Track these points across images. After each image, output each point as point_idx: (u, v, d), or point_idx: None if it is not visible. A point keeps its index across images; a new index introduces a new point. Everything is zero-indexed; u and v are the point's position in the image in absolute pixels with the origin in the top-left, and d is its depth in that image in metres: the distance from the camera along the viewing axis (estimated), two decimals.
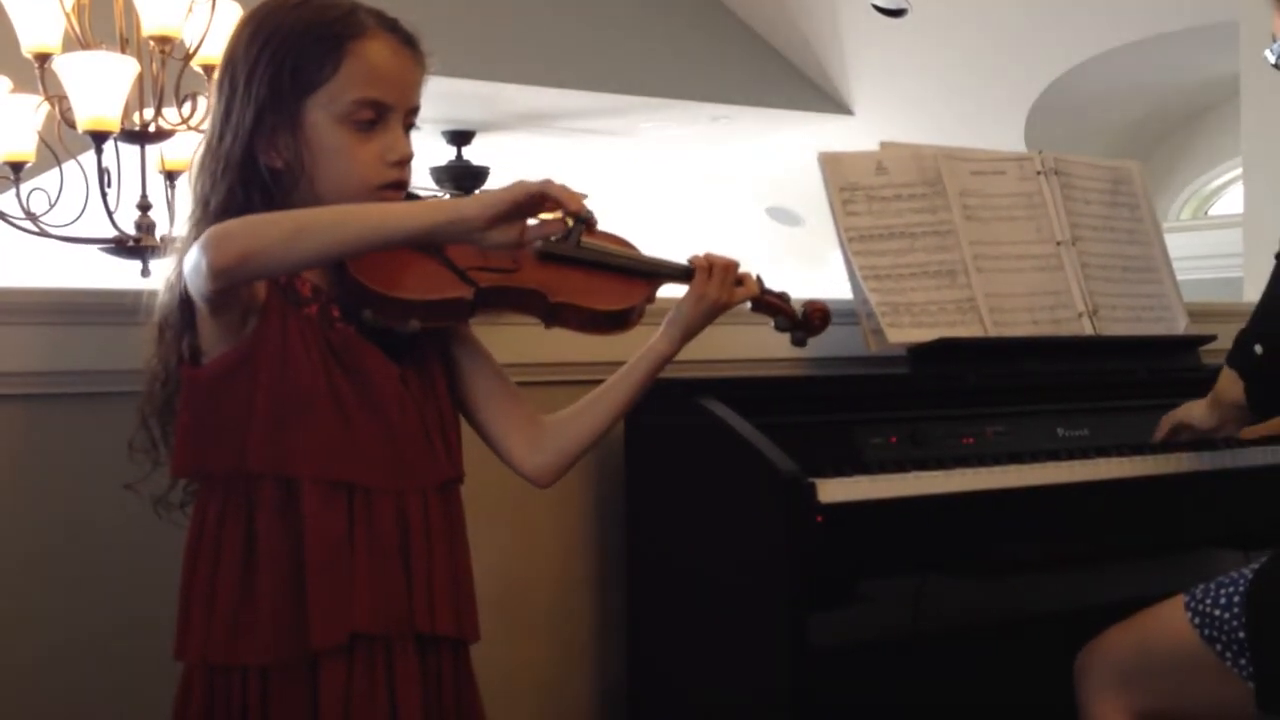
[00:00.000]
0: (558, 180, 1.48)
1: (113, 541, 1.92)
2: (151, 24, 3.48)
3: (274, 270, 1.46)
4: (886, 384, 2.41)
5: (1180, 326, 2.70)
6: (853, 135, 7.32)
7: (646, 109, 7.27)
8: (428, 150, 7.27)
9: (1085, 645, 2.21)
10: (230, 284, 1.42)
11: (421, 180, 7.14)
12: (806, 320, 1.79)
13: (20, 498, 1.91)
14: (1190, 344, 2.66)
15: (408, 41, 1.58)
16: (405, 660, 1.52)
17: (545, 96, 6.92)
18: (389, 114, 1.55)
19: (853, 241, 2.44)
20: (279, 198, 1.53)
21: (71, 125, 3.56)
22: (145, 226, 3.74)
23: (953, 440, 2.30)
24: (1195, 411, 2.27)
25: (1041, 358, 2.52)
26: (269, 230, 1.41)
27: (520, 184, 1.46)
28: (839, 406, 2.27)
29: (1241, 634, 2.03)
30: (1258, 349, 2.04)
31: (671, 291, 1.68)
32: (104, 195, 3.63)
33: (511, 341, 1.89)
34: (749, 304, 1.74)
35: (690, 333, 1.68)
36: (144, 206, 3.76)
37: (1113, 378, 2.57)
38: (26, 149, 3.65)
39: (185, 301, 1.50)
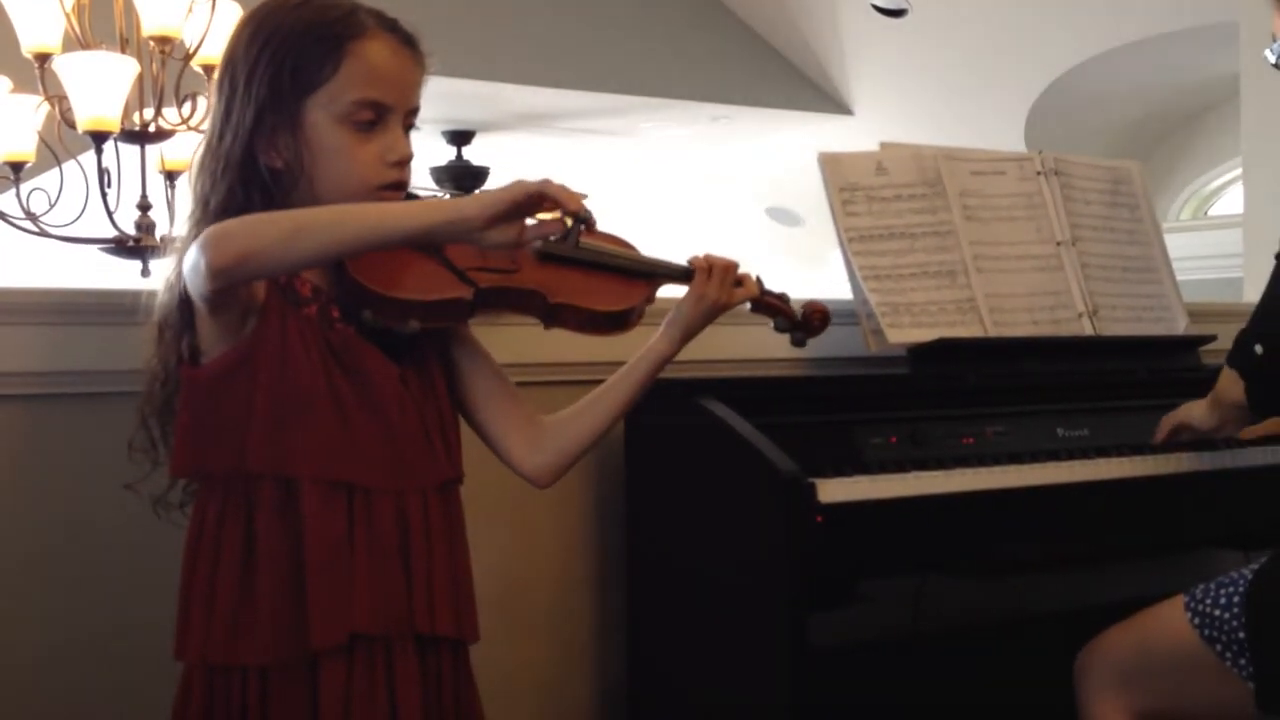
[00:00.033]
0: (556, 180, 1.48)
1: (113, 541, 1.92)
2: (151, 24, 3.48)
3: (273, 270, 1.46)
4: (886, 384, 2.41)
5: (1180, 327, 2.70)
6: (852, 135, 7.32)
7: (646, 109, 7.27)
8: (428, 150, 7.27)
9: (1085, 645, 2.21)
10: (229, 283, 1.42)
11: (421, 180, 7.14)
12: (806, 321, 1.79)
13: (20, 498, 1.91)
14: (1190, 344, 2.66)
15: (408, 42, 1.58)
16: (405, 660, 1.52)
17: (545, 96, 6.92)
18: (389, 114, 1.55)
19: (852, 242, 2.44)
20: (279, 198, 1.53)
21: (71, 125, 3.56)
22: (145, 226, 3.74)
23: (953, 440, 2.30)
24: (1195, 412, 2.26)
25: (1041, 358, 2.52)
26: (268, 230, 1.41)
27: (519, 183, 1.46)
28: (839, 406, 2.27)
29: (1241, 634, 2.03)
30: (1258, 349, 2.04)
31: (671, 292, 1.68)
32: (104, 195, 3.63)
33: (511, 342, 1.89)
34: (748, 305, 1.74)
35: (690, 333, 1.68)
36: (144, 207, 3.76)
37: (1113, 378, 2.57)
38: (26, 149, 3.65)
39: (185, 301, 1.50)
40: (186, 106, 3.66)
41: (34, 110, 3.64)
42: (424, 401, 1.58)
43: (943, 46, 6.87)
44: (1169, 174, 7.46)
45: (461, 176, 7.38)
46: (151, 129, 3.66)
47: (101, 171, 3.59)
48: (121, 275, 3.73)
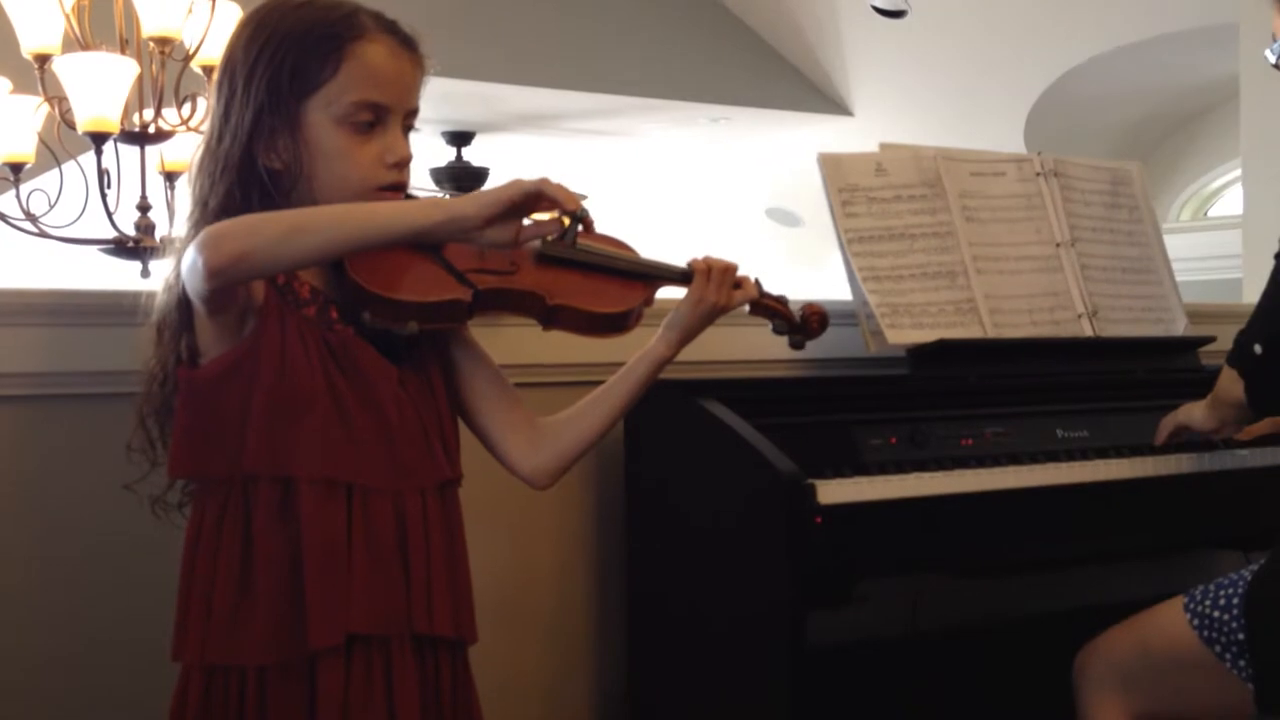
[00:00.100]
0: (554, 179, 1.48)
1: (111, 542, 1.93)
2: (151, 25, 3.48)
3: (270, 269, 1.46)
4: (886, 385, 2.41)
5: (1179, 328, 2.70)
6: (852, 136, 7.33)
7: (646, 110, 7.27)
8: (427, 151, 7.27)
9: (1084, 646, 2.21)
10: (227, 283, 1.42)
11: (421, 181, 7.14)
12: (804, 324, 1.79)
13: (20, 498, 1.91)
14: (1189, 345, 2.67)
15: (407, 43, 1.58)
16: (403, 661, 1.52)
17: (545, 97, 6.92)
18: (388, 116, 1.55)
19: (852, 243, 2.44)
20: (278, 199, 1.52)
21: (71, 126, 3.56)
22: (145, 227, 3.74)
23: (952, 441, 2.30)
24: (1195, 413, 2.27)
25: (1041, 359, 2.52)
26: (265, 229, 1.41)
27: (516, 182, 1.46)
28: (839, 407, 2.27)
29: (1241, 635, 2.03)
30: (1256, 348, 2.05)
31: (670, 294, 1.68)
32: (104, 196, 3.63)
33: (510, 343, 1.89)
34: (747, 307, 1.74)
35: (688, 335, 1.68)
36: (143, 207, 3.76)
37: (1112, 379, 2.57)
38: (26, 150, 3.66)
39: (183, 302, 1.50)
40: (186, 107, 3.66)
41: (34, 111, 3.64)
42: (422, 402, 1.58)
43: (943, 47, 6.88)
44: (1169, 175, 7.46)
45: (461, 177, 7.38)
46: (151, 130, 3.66)
47: (101, 172, 3.59)
48: (121, 276, 3.73)
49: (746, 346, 2.37)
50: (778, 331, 1.79)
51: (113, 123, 3.43)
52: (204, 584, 1.49)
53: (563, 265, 1.59)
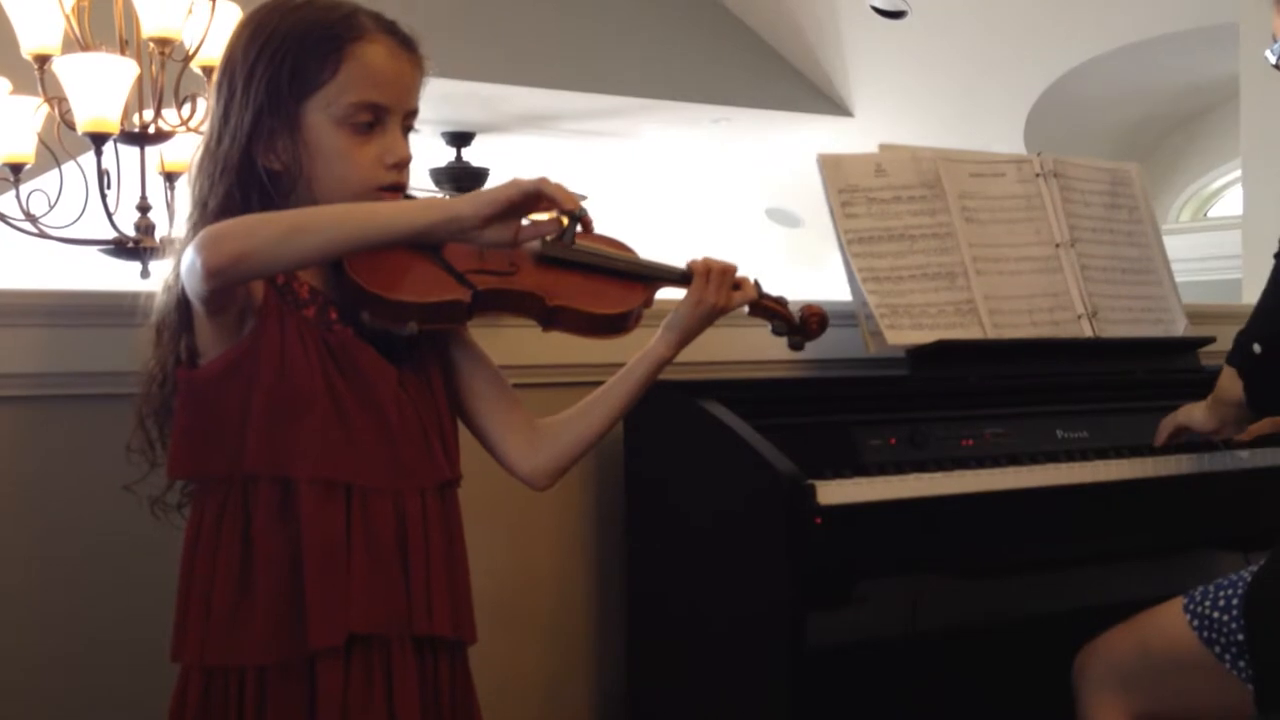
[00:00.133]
0: (553, 179, 1.48)
1: (111, 542, 1.93)
2: (151, 26, 3.48)
3: (269, 269, 1.46)
4: (886, 386, 2.42)
5: (1179, 328, 2.70)
6: (852, 137, 7.33)
7: (646, 111, 7.27)
8: (427, 152, 7.27)
9: (1084, 647, 2.21)
10: (226, 284, 1.42)
11: (421, 182, 7.15)
12: (803, 325, 1.79)
13: (20, 498, 1.91)
14: (1189, 346, 2.67)
15: (406, 44, 1.58)
16: (403, 661, 1.52)
17: (545, 98, 6.92)
18: (387, 117, 1.55)
19: (852, 243, 2.44)
20: (277, 200, 1.52)
21: (71, 127, 3.56)
22: (145, 228, 3.75)
23: (952, 442, 2.30)
24: (1195, 414, 2.27)
25: (1041, 359, 2.52)
26: (263, 229, 1.41)
27: (515, 182, 1.46)
28: (838, 408, 2.27)
29: (1240, 636, 2.03)
30: (1256, 348, 2.05)
31: (670, 295, 1.68)
32: (103, 197, 3.63)
33: (510, 344, 1.89)
34: (746, 308, 1.74)
35: (688, 337, 1.68)
36: (143, 208, 3.76)
37: (1112, 379, 2.57)
38: (26, 150, 3.66)
39: (183, 303, 1.50)
40: (186, 108, 3.66)
41: (33, 112, 3.64)
42: (422, 403, 1.58)
43: (942, 47, 6.87)
44: (1169, 175, 7.46)
45: (461, 178, 7.39)
46: (151, 130, 3.66)
47: (101, 173, 3.59)
48: (121, 277, 3.74)
49: (746, 347, 2.38)
50: (777, 332, 1.79)
51: (112, 123, 3.43)
52: (203, 584, 1.49)
53: (562, 266, 1.59)
